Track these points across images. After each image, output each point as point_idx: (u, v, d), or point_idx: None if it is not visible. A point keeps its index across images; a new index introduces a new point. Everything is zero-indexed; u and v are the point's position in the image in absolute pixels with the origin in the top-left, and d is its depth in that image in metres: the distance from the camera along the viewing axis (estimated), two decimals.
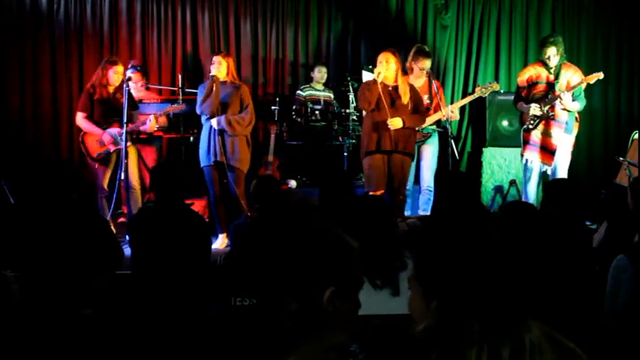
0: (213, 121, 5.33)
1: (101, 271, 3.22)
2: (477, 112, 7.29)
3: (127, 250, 3.80)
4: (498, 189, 6.78)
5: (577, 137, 7.42)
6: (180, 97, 6.08)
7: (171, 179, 3.55)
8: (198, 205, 5.88)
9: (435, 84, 5.82)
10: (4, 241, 3.10)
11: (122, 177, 5.28)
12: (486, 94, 6.25)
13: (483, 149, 6.97)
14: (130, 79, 5.49)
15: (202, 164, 5.47)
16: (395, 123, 5.10)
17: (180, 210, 3.58)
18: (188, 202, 4.73)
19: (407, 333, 1.26)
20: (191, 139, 6.51)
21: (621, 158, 5.88)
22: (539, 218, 2.90)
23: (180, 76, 6.29)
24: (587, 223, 5.18)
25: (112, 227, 4.92)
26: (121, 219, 5.69)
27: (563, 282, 2.71)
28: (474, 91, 6.27)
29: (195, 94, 6.26)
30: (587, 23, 7.51)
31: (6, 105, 6.80)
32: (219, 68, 5.37)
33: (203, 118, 5.50)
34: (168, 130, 6.29)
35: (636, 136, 6.10)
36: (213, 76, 5.34)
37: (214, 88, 5.31)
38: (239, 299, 2.61)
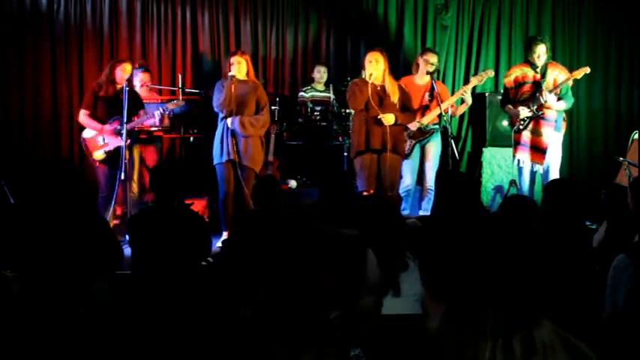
0: (229, 121, 5.36)
1: (101, 271, 3.22)
2: (477, 112, 7.29)
3: (127, 250, 3.80)
4: (498, 189, 6.78)
5: (577, 137, 7.49)
6: (180, 97, 6.07)
7: (170, 179, 3.55)
8: (199, 205, 5.88)
9: (436, 84, 5.85)
10: (4, 241, 3.10)
11: (122, 177, 5.27)
12: (482, 82, 6.28)
13: (483, 149, 6.97)
14: (130, 78, 5.49)
15: (215, 162, 5.48)
16: (388, 119, 5.12)
17: (180, 210, 3.58)
18: (188, 202, 4.73)
19: (420, 329, 1.26)
20: (191, 139, 6.51)
21: (621, 158, 5.88)
22: (538, 212, 2.91)
23: (180, 76, 6.29)
24: (587, 223, 5.18)
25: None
26: (115, 221, 5.68)
27: (563, 282, 2.71)
28: (469, 81, 6.29)
29: (196, 93, 6.28)
30: (587, 23, 7.51)
31: (6, 105, 6.80)
32: (239, 68, 5.38)
33: (219, 117, 5.51)
34: (169, 130, 6.29)
35: (636, 136, 6.10)
36: (232, 76, 5.35)
37: (233, 89, 5.34)
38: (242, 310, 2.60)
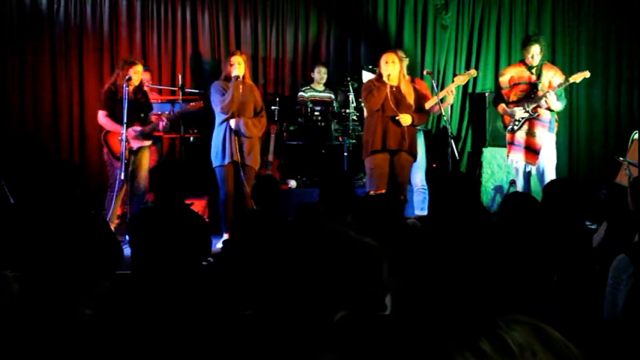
0: (232, 122, 5.38)
1: (101, 271, 3.22)
2: (477, 112, 7.29)
3: (127, 251, 3.80)
4: (498, 189, 6.78)
5: (577, 137, 7.50)
6: (180, 97, 6.08)
7: (170, 179, 3.55)
8: (198, 205, 5.88)
9: (414, 82, 5.90)
10: (4, 241, 3.10)
11: (122, 177, 5.28)
12: (464, 82, 6.29)
13: (483, 149, 6.97)
14: (130, 79, 5.49)
15: (216, 164, 5.48)
16: (405, 119, 5.15)
17: (180, 210, 3.58)
18: (188, 202, 4.73)
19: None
20: (191, 139, 6.51)
21: (621, 158, 5.88)
22: (539, 209, 2.91)
23: (180, 76, 6.29)
24: (587, 223, 5.18)
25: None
26: (115, 221, 5.67)
27: (563, 282, 2.71)
28: (453, 81, 6.27)
29: (196, 94, 6.27)
30: (587, 23, 7.52)
31: (6, 105, 6.80)
32: (240, 69, 5.40)
33: (219, 119, 5.50)
34: (168, 130, 6.28)
35: (636, 136, 6.10)
36: (237, 77, 5.36)
37: (241, 90, 5.36)
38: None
